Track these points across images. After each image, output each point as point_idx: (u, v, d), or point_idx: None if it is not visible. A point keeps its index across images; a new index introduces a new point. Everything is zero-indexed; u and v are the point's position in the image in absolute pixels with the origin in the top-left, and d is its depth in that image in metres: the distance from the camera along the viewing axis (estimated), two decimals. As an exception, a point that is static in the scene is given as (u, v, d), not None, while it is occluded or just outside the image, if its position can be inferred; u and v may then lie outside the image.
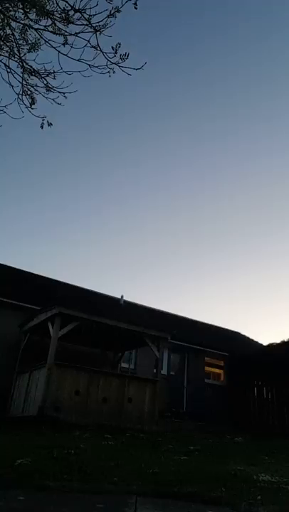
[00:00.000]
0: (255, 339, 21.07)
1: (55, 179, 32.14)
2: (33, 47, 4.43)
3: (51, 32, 4.13)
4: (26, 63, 4.56)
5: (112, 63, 4.06)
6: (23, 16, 4.19)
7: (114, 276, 37.90)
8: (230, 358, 16.35)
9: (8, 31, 4.33)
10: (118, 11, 3.66)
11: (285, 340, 14.58)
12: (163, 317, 18.06)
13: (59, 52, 4.16)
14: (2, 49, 4.48)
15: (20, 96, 4.66)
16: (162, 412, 11.56)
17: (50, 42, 4.22)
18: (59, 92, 4.49)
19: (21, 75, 4.62)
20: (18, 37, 4.42)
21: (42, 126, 4.68)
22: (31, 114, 4.67)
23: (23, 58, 4.54)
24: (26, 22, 4.23)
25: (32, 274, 16.58)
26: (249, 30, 24.73)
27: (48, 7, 3.96)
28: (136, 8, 3.62)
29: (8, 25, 4.33)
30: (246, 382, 15.31)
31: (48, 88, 4.53)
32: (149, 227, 36.93)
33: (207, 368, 16.32)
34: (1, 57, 4.49)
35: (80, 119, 25.62)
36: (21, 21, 4.25)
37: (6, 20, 4.28)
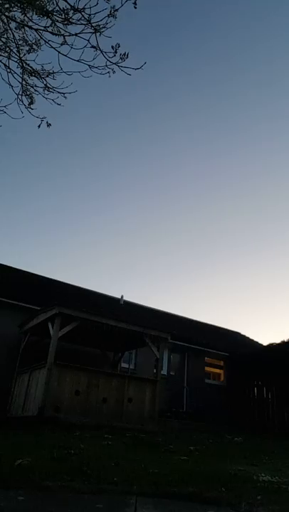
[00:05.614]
0: (255, 339, 21.11)
1: (55, 180, 32.19)
2: (33, 47, 4.43)
3: (51, 32, 4.13)
4: (26, 63, 4.56)
5: (112, 63, 4.06)
6: (22, 16, 4.19)
7: (114, 276, 37.93)
8: (230, 358, 16.35)
9: (6, 27, 4.33)
10: (117, 10, 3.66)
11: (285, 340, 14.58)
12: (163, 317, 18.06)
13: (59, 52, 4.16)
14: (2, 49, 4.48)
15: (19, 96, 4.67)
16: (162, 412, 11.56)
17: (49, 42, 4.22)
18: (59, 93, 4.50)
19: (21, 75, 4.62)
20: (17, 37, 4.42)
21: (39, 126, 4.68)
22: (31, 114, 4.68)
23: (22, 59, 4.54)
24: (25, 22, 4.22)
25: (32, 274, 16.58)
26: (250, 31, 24.74)
27: (47, 7, 3.96)
28: (135, 8, 3.62)
29: (8, 24, 4.32)
30: (246, 382, 15.31)
31: (48, 88, 4.53)
32: (149, 227, 36.96)
33: (207, 368, 16.31)
34: (1, 57, 4.50)
35: (80, 120, 25.62)
36: (20, 21, 4.25)
37: (5, 20, 4.28)
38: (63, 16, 3.95)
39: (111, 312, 11.94)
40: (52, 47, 4.20)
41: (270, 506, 3.36)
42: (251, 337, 21.31)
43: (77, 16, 3.87)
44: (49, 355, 9.17)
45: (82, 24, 3.90)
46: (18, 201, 34.40)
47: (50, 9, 3.97)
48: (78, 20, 3.90)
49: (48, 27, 4.11)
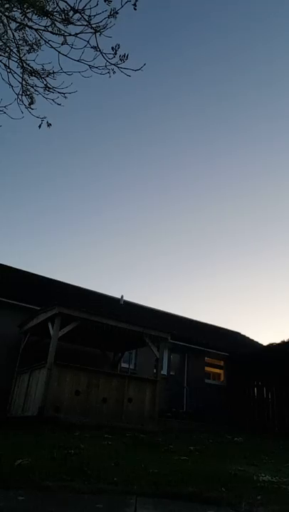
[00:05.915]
0: (255, 339, 21.11)
1: (55, 180, 32.18)
2: (33, 47, 4.43)
3: (51, 32, 4.13)
4: (26, 63, 4.56)
5: (112, 64, 4.06)
6: (21, 17, 4.19)
7: (114, 276, 37.94)
8: (230, 358, 16.35)
9: (6, 27, 4.33)
10: (117, 11, 3.66)
11: (285, 340, 14.58)
12: (163, 317, 18.06)
13: (59, 52, 4.16)
14: (2, 49, 4.48)
15: (20, 96, 4.67)
16: (162, 412, 11.56)
17: (50, 42, 4.22)
18: (59, 93, 4.50)
19: (21, 75, 4.62)
20: (17, 37, 4.42)
21: (40, 126, 4.68)
22: (31, 114, 4.68)
23: (22, 59, 4.54)
24: (25, 22, 4.22)
25: (32, 274, 16.58)
26: (250, 31, 24.75)
27: (47, 7, 3.96)
28: (135, 9, 3.62)
29: (8, 24, 4.32)
30: (246, 382, 15.31)
31: (48, 88, 4.53)
32: (149, 227, 36.96)
33: (207, 368, 16.31)
34: (1, 57, 4.50)
35: (80, 120, 25.62)
36: (20, 21, 4.25)
37: (5, 20, 4.28)
38: (63, 17, 3.95)
39: (111, 312, 11.95)
40: (52, 47, 4.21)
41: (270, 506, 3.37)
42: (251, 337, 21.33)
43: (77, 16, 3.87)
44: (49, 355, 9.17)
45: (82, 25, 3.90)
46: (18, 201, 34.39)
47: (50, 9, 3.97)
48: (78, 21, 3.90)
49: (48, 27, 4.11)
